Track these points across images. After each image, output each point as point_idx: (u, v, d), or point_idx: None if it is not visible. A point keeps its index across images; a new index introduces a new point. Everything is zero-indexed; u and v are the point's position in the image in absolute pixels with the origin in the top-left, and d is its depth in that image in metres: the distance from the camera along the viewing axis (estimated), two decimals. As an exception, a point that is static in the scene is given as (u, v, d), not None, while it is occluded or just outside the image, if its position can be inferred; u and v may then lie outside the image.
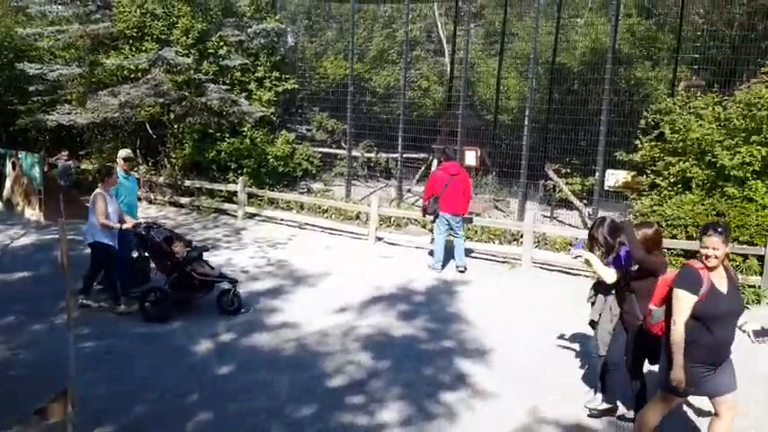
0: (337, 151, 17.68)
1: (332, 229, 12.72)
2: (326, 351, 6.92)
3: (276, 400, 5.77)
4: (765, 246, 8.76)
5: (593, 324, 5.85)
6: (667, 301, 4.60)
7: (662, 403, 4.68)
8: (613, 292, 5.56)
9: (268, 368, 6.45)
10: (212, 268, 8.17)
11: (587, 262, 5.59)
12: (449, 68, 17.60)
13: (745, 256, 9.01)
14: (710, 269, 4.37)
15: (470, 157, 13.26)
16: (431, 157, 15.97)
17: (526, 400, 5.89)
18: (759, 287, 8.80)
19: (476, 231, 11.66)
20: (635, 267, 5.14)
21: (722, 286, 4.38)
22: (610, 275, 5.41)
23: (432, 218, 10.26)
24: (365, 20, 21.12)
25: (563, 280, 9.96)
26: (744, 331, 4.52)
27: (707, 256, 4.34)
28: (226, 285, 8.02)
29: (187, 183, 14.63)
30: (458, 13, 16.69)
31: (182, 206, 14.80)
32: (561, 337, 7.37)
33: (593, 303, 5.86)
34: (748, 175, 9.42)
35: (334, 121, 17.90)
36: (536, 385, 6.18)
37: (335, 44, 20.92)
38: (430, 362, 6.70)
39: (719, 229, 4.36)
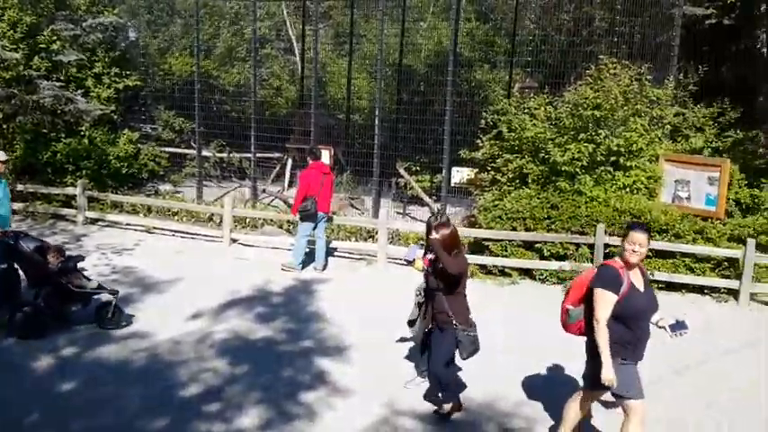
0: (187, 151, 16.98)
1: (183, 233, 12.22)
2: (180, 360, 6.67)
3: (124, 415, 5.48)
4: (595, 235, 9.61)
5: (411, 323, 6.02)
6: (586, 301, 4.66)
7: (588, 398, 4.90)
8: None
9: (116, 382, 6.11)
10: (89, 279, 7.65)
11: (422, 268, 5.81)
12: (300, 67, 17.56)
13: (578, 245, 9.83)
14: (631, 266, 4.51)
15: (324, 157, 13.34)
16: (285, 157, 15.85)
17: (384, 394, 6.05)
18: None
19: (333, 230, 11.77)
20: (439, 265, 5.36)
21: (639, 284, 4.54)
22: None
23: (299, 218, 10.05)
24: (211, 16, 20.47)
25: (418, 275, 10.31)
26: (660, 327, 4.65)
27: (632, 252, 4.44)
28: (105, 297, 7.54)
29: (19, 187, 13.39)
30: (305, 12, 16.69)
31: (14, 212, 13.52)
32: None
33: (419, 304, 5.97)
34: (577, 170, 10.29)
35: (181, 119, 17.19)
36: (393, 379, 6.36)
37: (181, 40, 20.06)
38: (289, 363, 6.68)
39: (644, 227, 4.57)
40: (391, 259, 10.76)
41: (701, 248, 9.39)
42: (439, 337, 5.49)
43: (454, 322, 5.33)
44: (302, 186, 10.08)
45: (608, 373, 4.38)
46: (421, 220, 13.16)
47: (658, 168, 10.39)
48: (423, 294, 5.90)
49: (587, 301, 4.63)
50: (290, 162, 15.83)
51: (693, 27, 15.26)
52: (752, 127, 13.70)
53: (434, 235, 5.45)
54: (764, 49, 15.90)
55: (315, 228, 10.09)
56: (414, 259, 5.88)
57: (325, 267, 10.23)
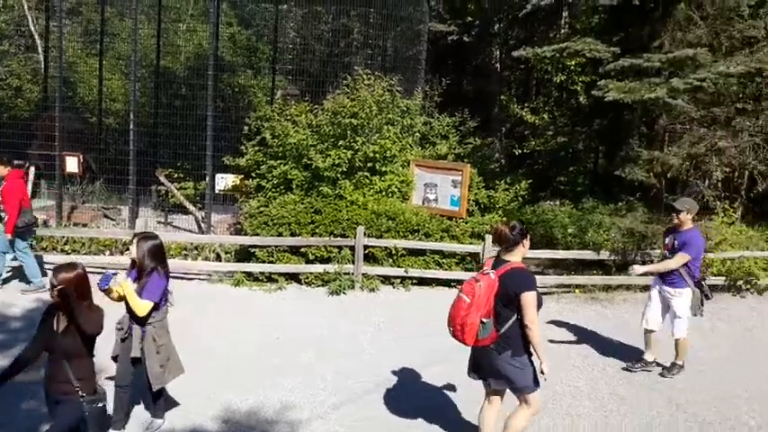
0: None
1: None
2: None
3: None
4: (355, 237, 10.05)
5: (134, 361, 5.28)
6: (511, 306, 4.63)
7: (531, 406, 4.88)
8: (150, 321, 5.21)
9: None
10: None
11: (120, 297, 5.14)
12: (43, 66, 15.89)
13: (340, 248, 10.20)
14: None
15: (72, 164, 12.26)
16: (27, 164, 14.20)
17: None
18: (353, 273, 10.07)
19: (83, 243, 10.82)
20: None
21: None
22: (144, 307, 5.10)
23: (16, 234, 8.93)
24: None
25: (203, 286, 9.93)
26: None
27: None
28: None
29: None
30: (49, 7, 15.16)
31: None
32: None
33: (123, 340, 5.33)
34: (338, 175, 10.70)
35: None
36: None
37: None
38: (32, 396, 5.99)
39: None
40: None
41: (448, 245, 10.33)
42: (58, 410, 4.36)
43: (80, 393, 4.28)
44: (16, 198, 8.78)
45: (548, 367, 4.70)
46: (186, 229, 12.69)
47: (410, 173, 11.21)
48: (125, 328, 5.30)
49: (512, 306, 4.64)
50: (32, 171, 14.22)
51: (438, 42, 16.75)
52: (488, 134, 15.41)
53: (132, 250, 5.14)
54: (498, 65, 17.99)
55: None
56: (107, 288, 4.97)
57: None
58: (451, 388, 6.51)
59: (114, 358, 5.45)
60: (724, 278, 10.37)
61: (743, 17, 10.68)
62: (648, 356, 7.27)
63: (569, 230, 12.59)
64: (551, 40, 13.27)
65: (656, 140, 11.25)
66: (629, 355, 7.55)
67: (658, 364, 7.24)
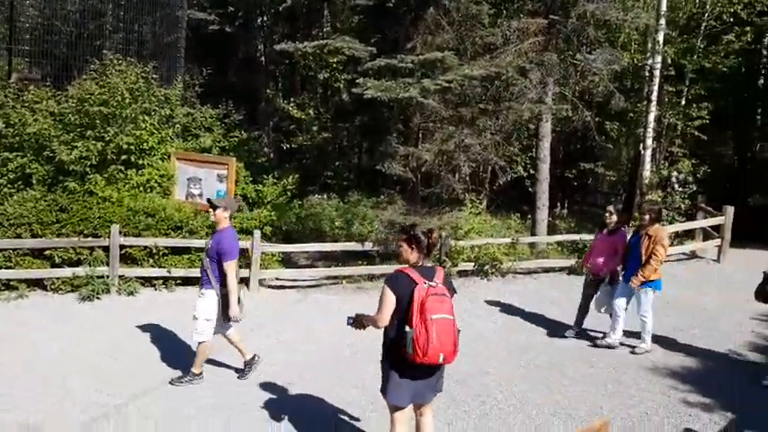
0: None
1: None
2: None
3: None
4: (110, 236, 9.23)
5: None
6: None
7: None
8: None
9: None
10: None
11: None
12: None
13: (92, 249, 9.31)
14: None
15: None
16: None
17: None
18: (108, 276, 9.25)
19: None
20: None
21: None
22: None
23: None
24: None
25: None
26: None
27: None
28: None
29: None
30: None
31: None
32: None
33: None
34: (87, 169, 9.76)
35: None
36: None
37: None
38: None
39: None
40: None
41: (214, 242, 9.96)
42: None
43: None
44: None
45: None
46: None
47: (171, 166, 10.60)
48: None
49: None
50: None
51: (200, 31, 16.14)
52: (256, 128, 15.24)
53: None
54: (263, 59, 17.86)
55: None
56: None
57: None
58: (223, 385, 6.28)
59: None
60: (473, 264, 11.39)
61: (484, 25, 11.79)
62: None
63: (336, 223, 13.00)
64: (314, 36, 13.51)
65: (411, 137, 11.96)
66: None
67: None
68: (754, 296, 7.02)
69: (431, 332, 4.09)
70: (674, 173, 15.20)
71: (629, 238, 7.96)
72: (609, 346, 7.78)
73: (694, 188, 14.83)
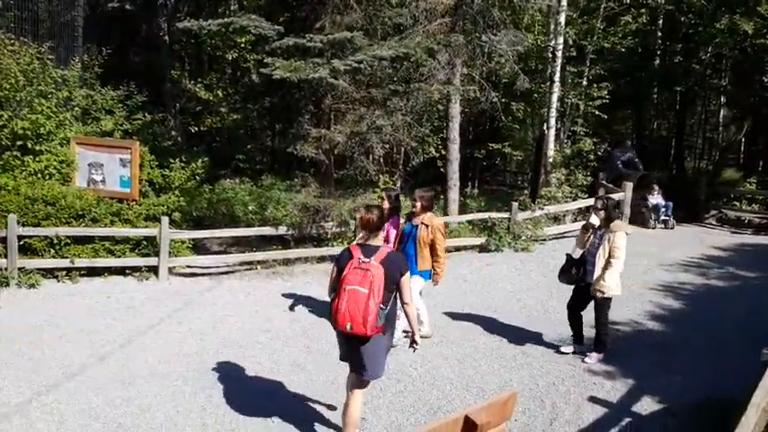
0: None
1: None
2: None
3: None
4: (7, 227, 8.72)
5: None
6: (394, 287, 4.64)
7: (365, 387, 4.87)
8: None
9: None
10: None
11: None
12: None
13: (-13, 240, 8.78)
14: None
15: None
16: None
17: None
18: (6, 269, 8.76)
19: None
20: None
21: None
22: None
23: None
24: None
25: None
26: None
27: None
28: None
29: None
30: None
31: None
32: None
33: None
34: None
35: None
36: None
37: None
38: None
39: None
40: None
41: (119, 230, 9.60)
42: None
43: None
44: None
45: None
46: None
47: (70, 152, 10.09)
48: None
49: (392, 288, 4.60)
50: None
51: (99, 9, 15.34)
52: (161, 110, 14.68)
53: None
54: (167, 38, 17.19)
55: None
56: None
57: None
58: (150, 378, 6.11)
59: None
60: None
61: (392, 4, 11.78)
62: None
63: (250, 208, 12.79)
64: (219, 15, 13.11)
65: (323, 119, 11.87)
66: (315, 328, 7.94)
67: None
68: (558, 278, 7.05)
69: (342, 301, 4.47)
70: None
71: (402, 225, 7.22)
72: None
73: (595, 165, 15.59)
